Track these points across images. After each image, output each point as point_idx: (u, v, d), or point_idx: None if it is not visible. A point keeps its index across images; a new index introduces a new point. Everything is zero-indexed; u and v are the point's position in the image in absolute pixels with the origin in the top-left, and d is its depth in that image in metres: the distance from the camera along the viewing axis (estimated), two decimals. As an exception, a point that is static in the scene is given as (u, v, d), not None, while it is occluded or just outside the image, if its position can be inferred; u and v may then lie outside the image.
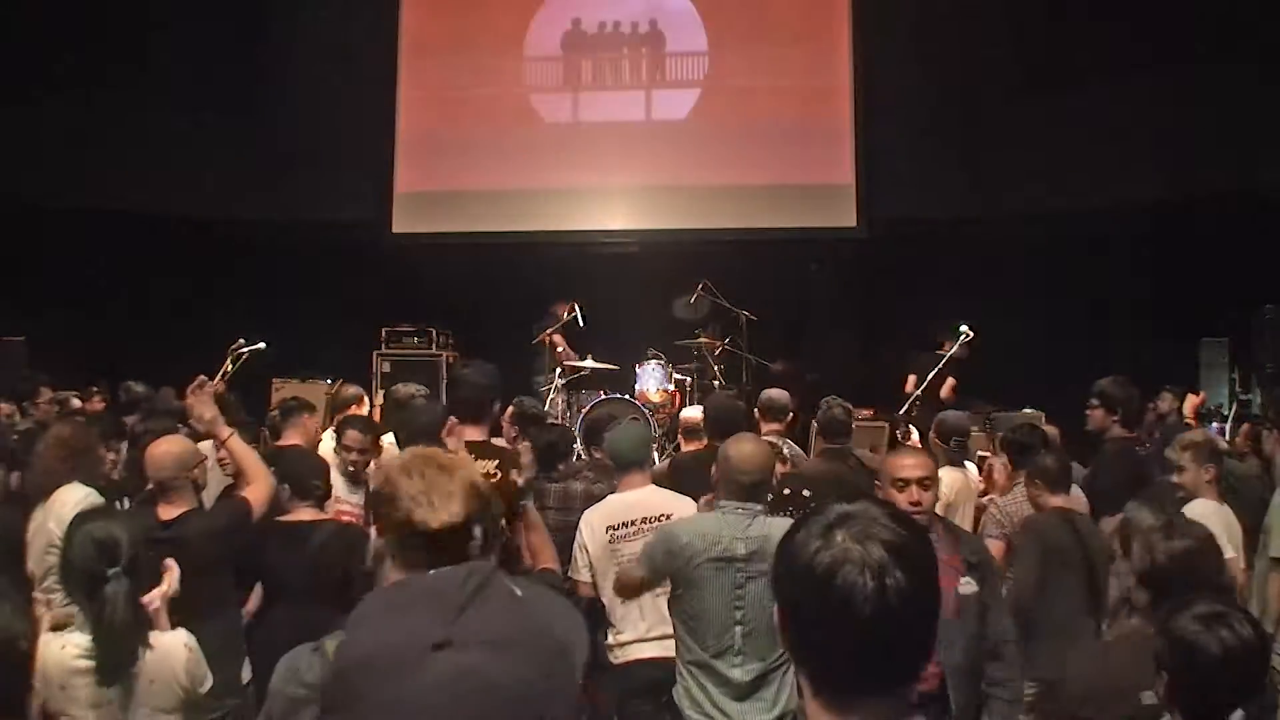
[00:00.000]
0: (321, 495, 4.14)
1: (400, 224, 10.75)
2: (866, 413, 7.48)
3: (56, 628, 2.73)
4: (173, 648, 2.81)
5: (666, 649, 3.58)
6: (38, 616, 2.44)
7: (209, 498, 4.04)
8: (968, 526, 4.76)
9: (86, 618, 2.71)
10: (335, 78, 10.13)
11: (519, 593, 1.52)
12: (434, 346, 9.71)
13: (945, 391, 7.86)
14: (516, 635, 1.43)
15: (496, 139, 10.69)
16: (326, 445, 5.04)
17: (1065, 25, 9.58)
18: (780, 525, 3.19)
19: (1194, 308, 8.68)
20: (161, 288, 9.93)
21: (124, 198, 10.04)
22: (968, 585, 3.31)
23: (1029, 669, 3.67)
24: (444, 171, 10.77)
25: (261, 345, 7.16)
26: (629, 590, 3.63)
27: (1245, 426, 6.32)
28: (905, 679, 1.33)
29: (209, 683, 2.91)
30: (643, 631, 3.82)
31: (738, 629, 3.24)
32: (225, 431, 3.89)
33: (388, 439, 4.89)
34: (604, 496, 4.13)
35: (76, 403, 7.10)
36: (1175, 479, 4.34)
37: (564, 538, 3.94)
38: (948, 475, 4.64)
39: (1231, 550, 4.10)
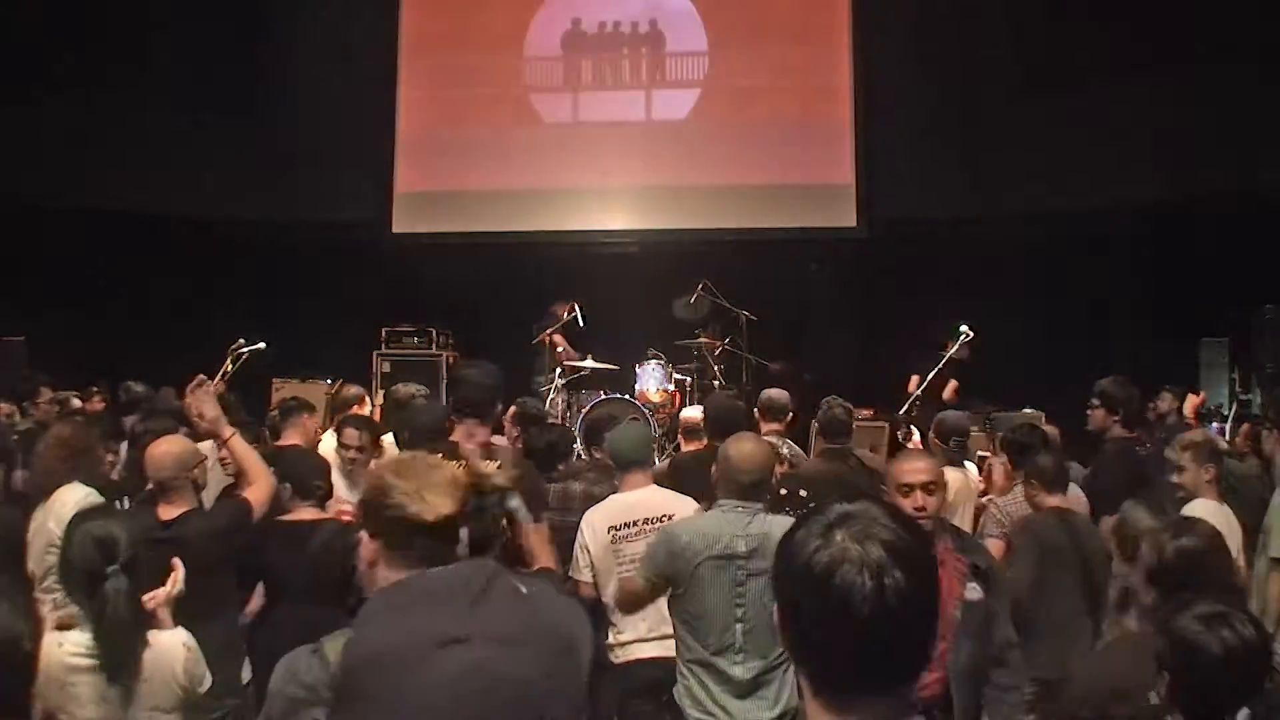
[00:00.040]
0: (323, 495, 4.14)
1: (400, 224, 10.75)
2: (866, 413, 7.48)
3: (62, 628, 2.73)
4: (171, 647, 2.81)
5: (667, 649, 3.58)
6: (41, 617, 2.43)
7: (209, 498, 4.04)
8: (967, 527, 4.76)
9: (86, 616, 2.72)
10: (335, 78, 10.11)
11: (524, 590, 1.52)
12: (434, 346, 9.72)
13: (948, 393, 7.86)
14: (525, 633, 1.44)
15: (496, 139, 10.69)
16: (328, 445, 5.05)
17: (1065, 25, 9.58)
18: (781, 523, 3.20)
19: (1194, 308, 8.68)
20: (161, 288, 9.93)
21: (124, 198, 10.05)
22: (974, 591, 3.30)
23: (1027, 669, 3.67)
24: (444, 171, 10.77)
25: (261, 345, 7.17)
26: (631, 603, 3.63)
27: (1245, 426, 6.31)
28: (905, 679, 1.33)
29: (208, 683, 2.91)
30: (643, 631, 3.82)
31: (739, 626, 3.24)
32: (228, 431, 3.89)
33: (388, 439, 4.90)
34: (604, 497, 4.13)
35: (76, 403, 7.10)
36: (1175, 479, 4.33)
37: (564, 538, 3.93)
38: (948, 475, 4.63)
39: (1232, 550, 4.10)
